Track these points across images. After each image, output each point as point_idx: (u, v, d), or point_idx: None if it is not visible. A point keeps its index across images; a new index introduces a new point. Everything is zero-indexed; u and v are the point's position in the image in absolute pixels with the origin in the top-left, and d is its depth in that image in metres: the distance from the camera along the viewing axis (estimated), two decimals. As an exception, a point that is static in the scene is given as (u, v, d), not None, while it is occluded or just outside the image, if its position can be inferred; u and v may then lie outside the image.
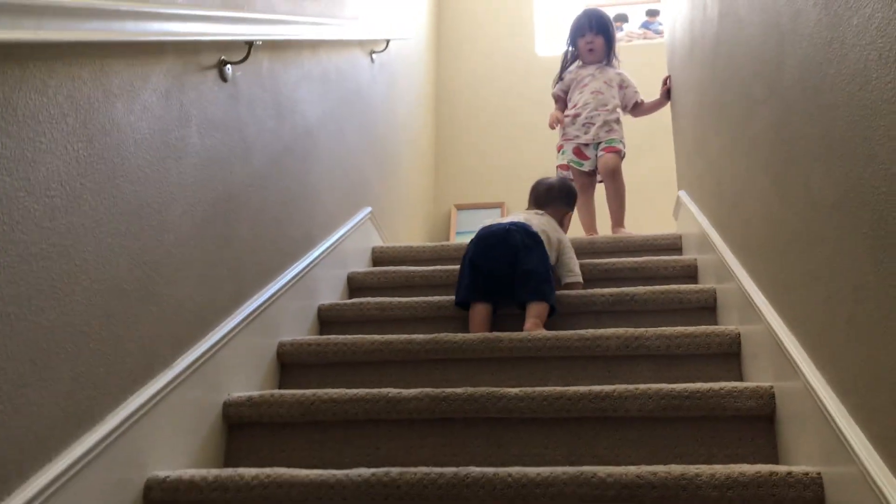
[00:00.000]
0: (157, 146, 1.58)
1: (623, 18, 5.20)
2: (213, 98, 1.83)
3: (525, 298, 2.24)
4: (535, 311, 2.21)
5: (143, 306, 1.51)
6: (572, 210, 2.73)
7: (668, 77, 3.40)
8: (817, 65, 1.28)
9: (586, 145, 3.28)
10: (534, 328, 2.15)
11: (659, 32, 4.95)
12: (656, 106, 3.43)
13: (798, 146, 1.42)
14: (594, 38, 3.39)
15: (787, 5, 1.43)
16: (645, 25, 5.20)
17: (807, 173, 1.37)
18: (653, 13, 5.13)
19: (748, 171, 1.85)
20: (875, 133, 1.05)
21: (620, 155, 3.26)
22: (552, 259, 2.42)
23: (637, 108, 3.41)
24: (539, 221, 2.48)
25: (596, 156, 3.29)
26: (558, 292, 2.35)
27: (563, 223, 2.65)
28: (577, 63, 3.48)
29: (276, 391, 1.86)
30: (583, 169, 3.28)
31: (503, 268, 2.29)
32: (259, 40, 1.95)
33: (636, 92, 3.40)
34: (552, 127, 3.39)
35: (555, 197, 2.68)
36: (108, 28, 1.29)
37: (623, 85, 3.39)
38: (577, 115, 3.32)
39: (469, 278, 2.33)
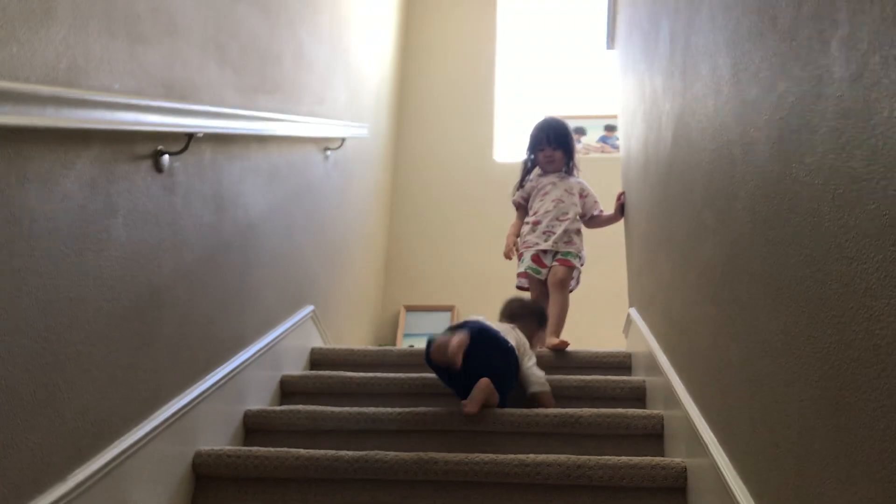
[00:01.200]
0: (76, 237, 1.47)
1: (581, 132, 5.29)
2: (144, 189, 1.74)
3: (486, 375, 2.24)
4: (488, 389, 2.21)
5: (38, 412, 1.37)
6: (542, 330, 2.84)
7: (623, 193, 3.41)
8: (768, 199, 1.24)
9: (545, 252, 3.23)
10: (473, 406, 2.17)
11: (616, 147, 5.04)
12: (610, 220, 3.42)
13: (746, 280, 1.36)
14: (552, 152, 3.39)
15: (740, 136, 1.41)
16: (602, 140, 5.29)
17: (755, 310, 1.31)
18: (611, 128, 5.23)
19: (697, 300, 1.80)
20: (827, 277, 0.99)
21: (573, 269, 3.21)
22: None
23: (593, 220, 3.40)
24: (508, 330, 2.53)
25: (551, 266, 3.23)
26: (506, 410, 2.26)
27: (531, 340, 2.68)
28: (538, 171, 3.47)
29: (185, 509, 1.70)
30: (540, 277, 3.22)
31: (480, 368, 2.26)
32: (199, 132, 1.88)
33: (596, 202, 3.39)
34: (508, 256, 3.34)
35: (528, 313, 2.81)
36: (23, 112, 1.20)
37: (583, 194, 3.38)
38: (537, 223, 3.28)
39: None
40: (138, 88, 1.69)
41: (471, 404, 2.17)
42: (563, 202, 3.29)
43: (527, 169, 3.51)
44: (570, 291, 3.23)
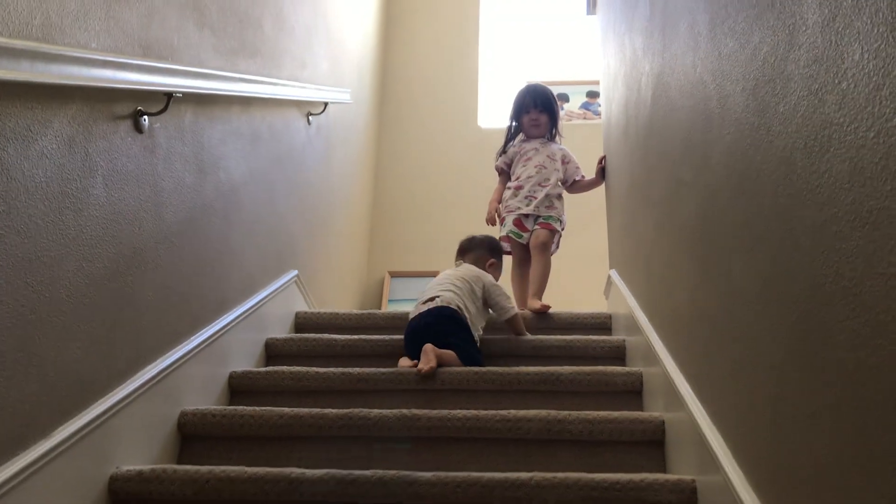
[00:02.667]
0: (55, 195, 1.47)
1: (564, 98, 5.28)
2: (124, 149, 1.73)
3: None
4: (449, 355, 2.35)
5: (20, 368, 1.37)
6: (494, 259, 2.94)
7: (604, 157, 3.42)
8: (744, 151, 1.25)
9: (527, 216, 3.25)
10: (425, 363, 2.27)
11: (598, 114, 5.04)
12: (592, 184, 3.44)
13: (723, 233, 1.38)
14: (538, 115, 3.41)
15: (717, 90, 1.42)
16: (585, 106, 5.29)
17: (730, 261, 1.33)
18: (593, 94, 5.22)
19: (675, 256, 1.82)
20: (800, 223, 1.01)
21: (555, 232, 3.23)
22: (480, 303, 2.63)
23: (575, 185, 3.41)
24: (457, 285, 2.62)
25: (532, 229, 3.25)
26: (488, 368, 2.30)
27: (486, 269, 2.82)
28: (521, 137, 3.49)
29: (170, 466, 1.71)
30: (522, 241, 3.24)
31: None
32: (178, 92, 1.87)
33: (577, 168, 3.41)
34: (490, 222, 3.36)
35: (476, 245, 2.95)
36: (-3, 66, 1.19)
37: (566, 160, 3.40)
38: (519, 188, 3.30)
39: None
40: (115, 47, 1.67)
41: (421, 364, 2.28)
42: (545, 168, 3.31)
43: (510, 135, 3.52)
44: (551, 255, 3.25)
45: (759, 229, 1.17)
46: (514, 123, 3.51)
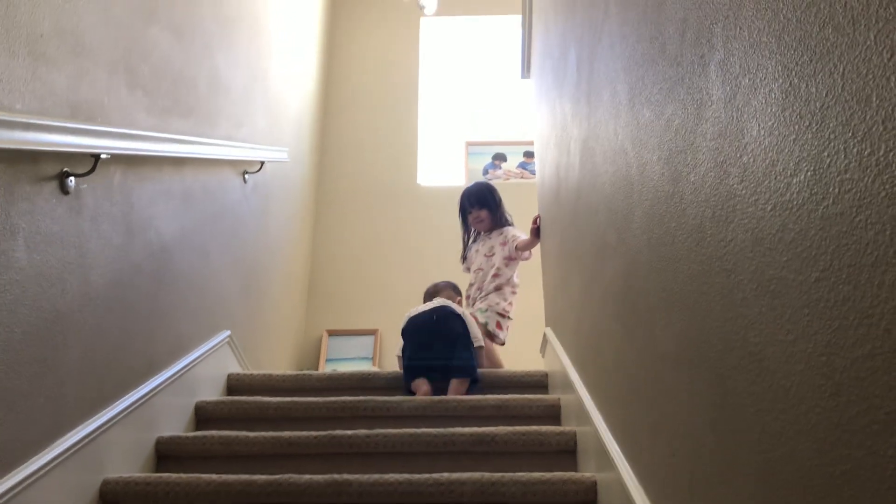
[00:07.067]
0: (-28, 259, 1.43)
1: (502, 158, 5.38)
2: (48, 210, 1.70)
3: (452, 375, 2.74)
4: (457, 387, 2.71)
5: (-73, 441, 1.31)
6: (460, 297, 3.40)
7: (538, 216, 3.48)
8: (660, 217, 1.29)
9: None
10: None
11: (534, 173, 5.14)
12: (529, 244, 3.50)
13: (644, 295, 1.42)
14: (478, 212, 3.62)
15: (636, 158, 1.47)
16: (522, 165, 5.40)
17: (651, 323, 1.36)
18: (530, 154, 5.34)
19: (603, 316, 1.85)
20: (711, 289, 1.04)
21: (494, 330, 3.39)
22: None
23: (517, 251, 3.51)
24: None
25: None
26: (422, 430, 2.28)
27: None
28: (473, 237, 3.72)
29: (88, 540, 1.65)
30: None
31: (434, 351, 2.80)
32: (106, 154, 1.85)
33: (515, 236, 3.54)
34: None
35: (442, 287, 3.35)
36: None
37: (504, 241, 3.53)
38: (472, 284, 3.56)
39: (406, 363, 2.83)
40: (42, 109, 1.66)
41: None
42: (491, 256, 3.51)
43: (466, 238, 3.75)
44: (503, 344, 3.41)
45: (677, 294, 1.21)
46: (465, 228, 3.72)
